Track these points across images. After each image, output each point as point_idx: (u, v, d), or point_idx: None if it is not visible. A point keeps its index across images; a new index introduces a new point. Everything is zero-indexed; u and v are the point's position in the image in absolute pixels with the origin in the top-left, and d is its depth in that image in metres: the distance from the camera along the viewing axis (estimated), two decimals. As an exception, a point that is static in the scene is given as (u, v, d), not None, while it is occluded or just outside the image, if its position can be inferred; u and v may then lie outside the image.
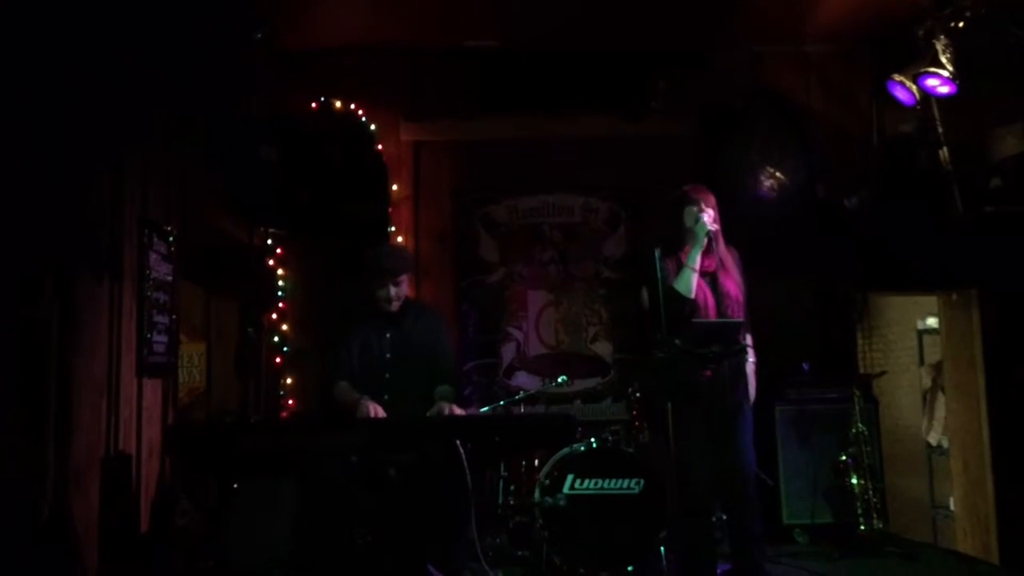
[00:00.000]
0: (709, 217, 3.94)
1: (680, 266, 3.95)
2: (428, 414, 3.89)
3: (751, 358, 4.07)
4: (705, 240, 3.91)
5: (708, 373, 3.86)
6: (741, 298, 4.02)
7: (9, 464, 3.15)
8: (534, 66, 5.95)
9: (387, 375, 4.08)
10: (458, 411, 3.95)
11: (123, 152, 3.94)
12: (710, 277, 3.98)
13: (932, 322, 5.71)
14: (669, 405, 3.76)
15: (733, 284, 4.01)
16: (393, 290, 4.10)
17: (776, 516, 5.15)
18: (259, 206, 5.25)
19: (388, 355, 4.11)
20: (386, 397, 3.89)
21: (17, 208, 3.27)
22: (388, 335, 4.13)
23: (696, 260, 3.92)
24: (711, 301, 3.95)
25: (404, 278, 4.16)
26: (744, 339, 4.00)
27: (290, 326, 5.68)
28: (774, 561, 4.60)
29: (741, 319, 3.97)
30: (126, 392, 3.88)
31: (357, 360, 4.12)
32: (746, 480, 3.90)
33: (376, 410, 3.73)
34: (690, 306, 3.91)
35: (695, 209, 3.97)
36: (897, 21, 5.26)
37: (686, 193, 4.06)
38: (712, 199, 4.03)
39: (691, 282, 3.91)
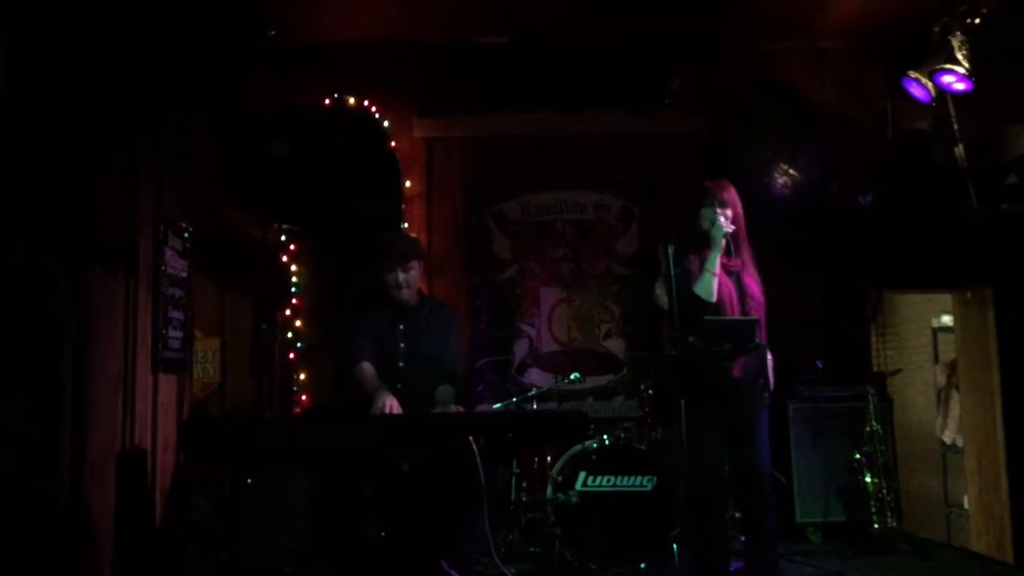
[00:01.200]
0: (725, 219, 3.91)
1: (702, 266, 3.91)
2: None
3: (768, 355, 4.05)
4: (723, 243, 3.89)
5: (736, 372, 3.84)
6: (762, 298, 4.00)
7: (26, 456, 3.17)
8: (547, 62, 5.92)
9: (400, 363, 4.09)
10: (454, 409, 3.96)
11: (136, 147, 3.96)
12: (736, 276, 3.96)
13: (947, 320, 5.67)
14: (683, 402, 3.74)
15: (755, 284, 4.00)
16: (402, 275, 4.09)
17: (789, 514, 5.12)
18: (272, 202, 5.27)
19: (402, 345, 4.12)
20: (399, 386, 3.90)
21: (30, 201, 3.29)
22: (401, 327, 4.13)
23: (716, 263, 3.89)
24: (735, 300, 3.93)
25: (414, 264, 4.15)
26: (762, 337, 3.98)
27: (304, 322, 5.69)
28: (787, 559, 4.58)
29: (757, 317, 3.95)
30: (142, 387, 3.91)
31: (372, 347, 4.13)
32: (761, 477, 3.90)
33: (391, 406, 3.74)
34: (714, 306, 3.89)
35: (711, 212, 3.95)
36: (913, 17, 5.22)
37: (706, 190, 4.02)
38: (732, 194, 4.00)
39: (711, 286, 3.88)
